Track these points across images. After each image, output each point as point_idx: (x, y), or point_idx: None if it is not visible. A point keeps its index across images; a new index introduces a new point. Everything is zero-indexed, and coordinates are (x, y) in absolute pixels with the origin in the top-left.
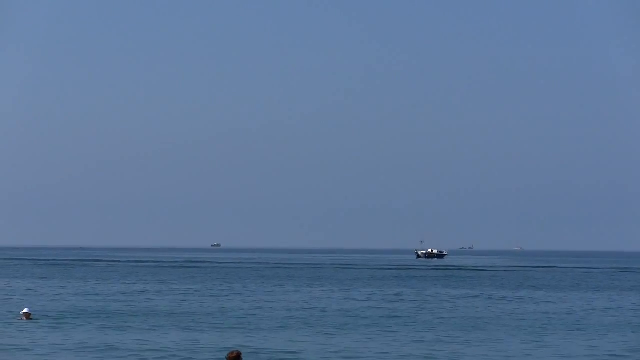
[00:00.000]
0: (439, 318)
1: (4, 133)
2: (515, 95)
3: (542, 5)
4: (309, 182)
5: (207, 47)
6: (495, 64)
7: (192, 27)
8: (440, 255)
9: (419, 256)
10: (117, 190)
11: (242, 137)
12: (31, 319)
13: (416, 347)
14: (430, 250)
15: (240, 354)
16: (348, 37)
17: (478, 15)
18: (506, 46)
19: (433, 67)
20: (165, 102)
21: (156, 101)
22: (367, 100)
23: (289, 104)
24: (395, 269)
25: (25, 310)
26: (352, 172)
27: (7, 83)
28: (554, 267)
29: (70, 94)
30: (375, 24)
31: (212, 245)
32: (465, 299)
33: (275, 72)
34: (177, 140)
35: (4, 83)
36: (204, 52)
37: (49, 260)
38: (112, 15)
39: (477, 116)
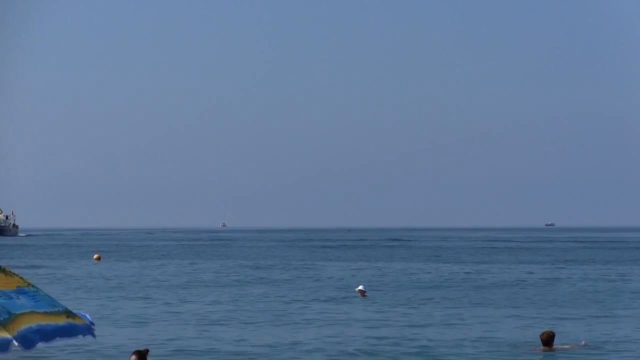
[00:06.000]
0: None
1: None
2: None
3: None
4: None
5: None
6: None
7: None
8: None
9: None
10: (455, 171)
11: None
12: (366, 296)
13: None
14: None
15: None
16: None
17: None
18: None
19: None
20: (503, 80)
21: (490, 81)
22: None
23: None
24: None
25: (360, 287)
26: None
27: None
28: None
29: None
30: None
31: (545, 225)
32: None
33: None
34: (526, 119)
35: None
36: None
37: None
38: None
39: None
